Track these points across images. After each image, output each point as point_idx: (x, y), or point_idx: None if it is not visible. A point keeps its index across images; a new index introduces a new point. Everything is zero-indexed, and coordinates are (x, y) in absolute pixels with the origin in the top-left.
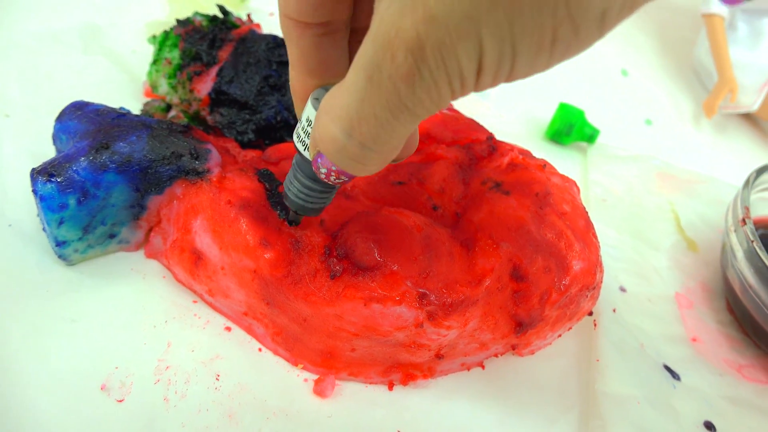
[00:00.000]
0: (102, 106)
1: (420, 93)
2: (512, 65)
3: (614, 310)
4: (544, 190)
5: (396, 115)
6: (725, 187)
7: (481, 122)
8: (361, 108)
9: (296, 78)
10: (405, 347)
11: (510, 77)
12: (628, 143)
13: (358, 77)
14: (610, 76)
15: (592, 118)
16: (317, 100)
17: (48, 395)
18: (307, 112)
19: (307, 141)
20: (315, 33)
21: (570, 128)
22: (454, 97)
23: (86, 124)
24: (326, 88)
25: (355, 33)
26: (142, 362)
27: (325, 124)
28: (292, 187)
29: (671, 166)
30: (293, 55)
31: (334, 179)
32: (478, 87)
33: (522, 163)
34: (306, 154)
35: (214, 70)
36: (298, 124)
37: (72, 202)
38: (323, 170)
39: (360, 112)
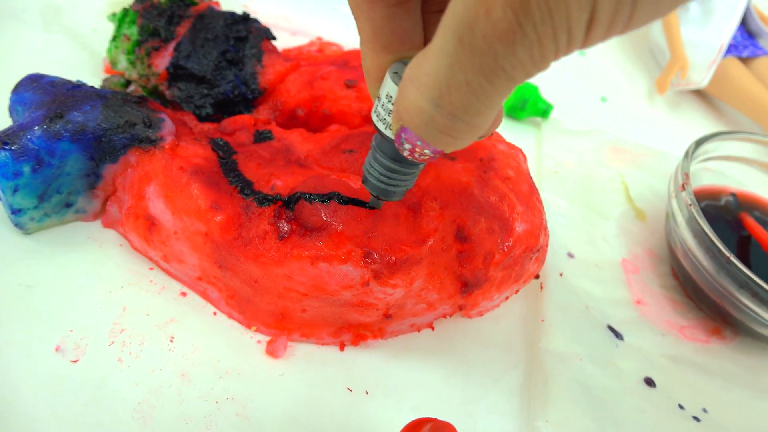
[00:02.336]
0: (57, 78)
1: (521, 53)
2: (632, 12)
3: (561, 274)
4: (488, 155)
5: (491, 80)
6: (675, 160)
7: None
8: (450, 74)
9: (369, 55)
10: (354, 307)
11: (625, 28)
12: (584, 119)
13: (447, 40)
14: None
15: (547, 95)
16: (396, 74)
17: (0, 356)
18: (386, 88)
19: (388, 119)
20: (387, 4)
21: (524, 103)
22: (557, 57)
23: (41, 95)
24: (403, 62)
25: (427, 1)
26: (96, 325)
27: (410, 94)
28: (373, 170)
29: (623, 141)
30: (365, 30)
31: (419, 155)
32: (585, 43)
33: None
34: (387, 132)
35: (171, 45)
36: (377, 103)
37: (26, 169)
38: (407, 146)
39: (449, 78)
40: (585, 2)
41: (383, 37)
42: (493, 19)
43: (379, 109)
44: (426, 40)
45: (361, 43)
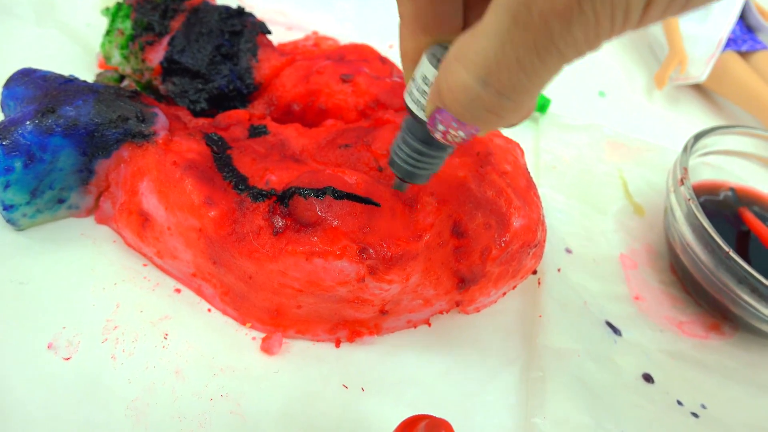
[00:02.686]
0: (50, 72)
1: (577, 31)
2: None
3: (559, 270)
4: (485, 150)
5: (543, 57)
6: (674, 155)
7: None
8: (502, 51)
9: (408, 36)
10: (349, 303)
11: (684, 8)
12: (582, 114)
13: (500, 18)
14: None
15: (545, 90)
16: (434, 56)
17: None
18: (423, 69)
19: (422, 100)
20: None
21: None
22: (611, 36)
23: (33, 90)
24: (441, 45)
25: None
26: (89, 322)
27: (455, 71)
28: (401, 152)
29: (621, 135)
30: (406, 10)
31: (452, 138)
32: (641, 22)
33: None
34: (420, 114)
35: (165, 40)
36: (411, 84)
37: (18, 165)
38: (441, 128)
39: (500, 56)
40: None
41: (424, 18)
42: None
43: (413, 90)
44: (465, 25)
45: (401, 24)
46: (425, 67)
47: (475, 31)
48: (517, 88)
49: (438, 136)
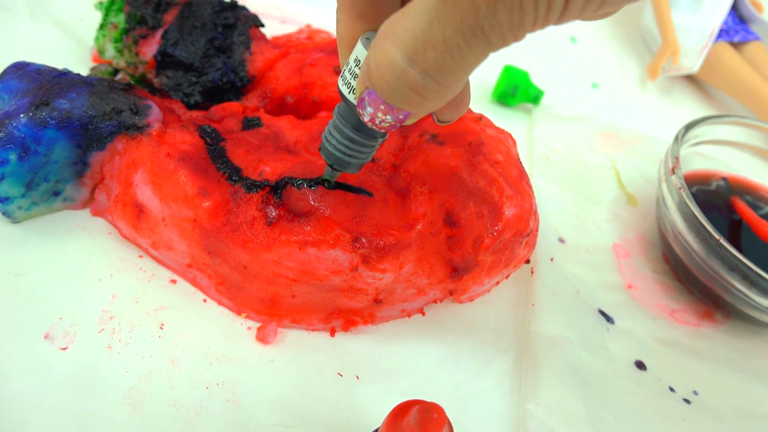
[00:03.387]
0: (43, 66)
1: (501, 14)
2: None
3: (552, 259)
4: (477, 140)
5: (468, 40)
6: (666, 145)
7: None
8: (429, 30)
9: (345, 22)
10: (343, 292)
11: (602, 6)
12: (575, 106)
13: None
14: (559, 42)
15: (538, 81)
16: (368, 40)
17: None
18: (356, 52)
19: (353, 83)
20: None
21: (515, 89)
22: (534, 27)
23: (27, 83)
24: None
25: None
26: (86, 313)
27: (384, 48)
28: (332, 138)
29: (614, 126)
30: None
31: (380, 121)
32: (563, 15)
33: None
34: (351, 98)
35: (159, 33)
36: (344, 68)
37: (12, 157)
38: (369, 110)
39: (427, 34)
40: None
41: (361, 5)
42: None
43: (346, 73)
44: None
45: (338, 9)
46: (358, 50)
47: (405, 9)
48: (443, 69)
49: (367, 119)
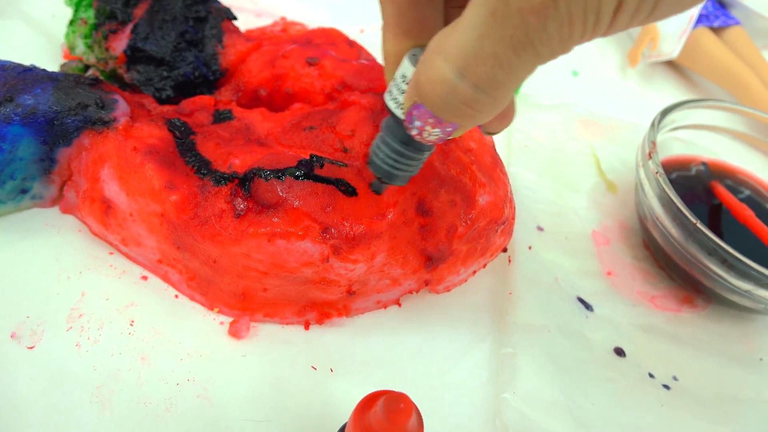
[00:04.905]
0: (8, 62)
1: (551, 28)
2: (656, 2)
3: (530, 248)
4: None
5: (519, 53)
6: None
7: None
8: (480, 45)
9: (390, 39)
10: (315, 284)
11: (648, 18)
12: (556, 94)
13: (479, 12)
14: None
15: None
16: (415, 56)
17: None
18: (402, 69)
19: (401, 98)
20: None
21: None
22: (582, 40)
23: None
24: (423, 48)
25: None
26: (54, 311)
27: (434, 63)
28: (380, 152)
29: (594, 114)
30: (388, 13)
31: (428, 135)
32: (611, 28)
33: None
34: (398, 112)
35: (129, 28)
36: (391, 84)
37: None
38: (417, 123)
39: (478, 49)
40: None
41: (406, 22)
42: None
43: (393, 89)
44: None
45: (384, 27)
46: (405, 67)
47: (454, 25)
48: (493, 82)
49: (414, 133)
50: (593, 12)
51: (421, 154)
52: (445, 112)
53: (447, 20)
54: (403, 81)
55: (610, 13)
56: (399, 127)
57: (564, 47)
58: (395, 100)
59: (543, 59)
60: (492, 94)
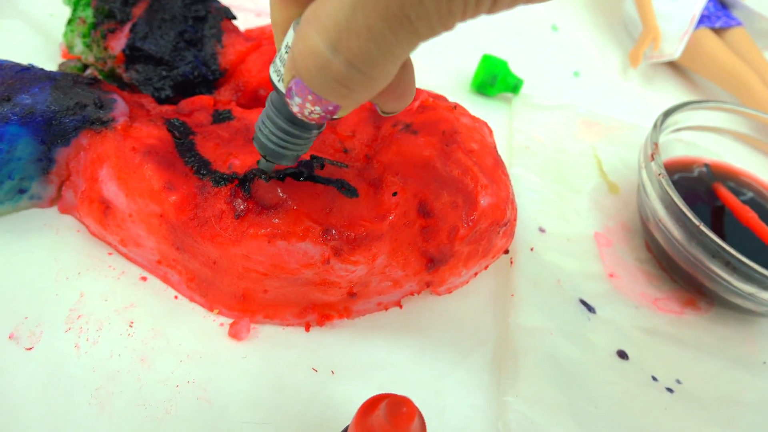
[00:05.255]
0: (6, 61)
1: (428, 2)
2: None
3: (532, 249)
4: (451, 128)
5: (394, 28)
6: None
7: None
8: (353, 17)
9: (278, 6)
10: (316, 286)
11: None
12: (557, 95)
13: None
14: (539, 31)
15: (517, 70)
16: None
17: None
18: (287, 38)
19: (283, 70)
20: None
21: (494, 79)
22: (465, 16)
23: None
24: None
25: None
26: (52, 312)
27: (307, 35)
28: (264, 128)
29: (595, 114)
30: None
31: (309, 112)
32: (495, 6)
33: (432, 105)
34: (280, 86)
35: (127, 27)
36: (276, 55)
37: None
38: (297, 100)
39: (351, 21)
40: None
41: None
42: None
43: (277, 61)
44: None
45: None
46: (290, 36)
47: None
48: (367, 59)
49: (295, 109)
50: None
51: (309, 132)
52: (320, 88)
53: None
54: (287, 51)
55: None
56: (283, 101)
57: (444, 24)
58: (278, 72)
59: (422, 37)
60: (367, 72)
